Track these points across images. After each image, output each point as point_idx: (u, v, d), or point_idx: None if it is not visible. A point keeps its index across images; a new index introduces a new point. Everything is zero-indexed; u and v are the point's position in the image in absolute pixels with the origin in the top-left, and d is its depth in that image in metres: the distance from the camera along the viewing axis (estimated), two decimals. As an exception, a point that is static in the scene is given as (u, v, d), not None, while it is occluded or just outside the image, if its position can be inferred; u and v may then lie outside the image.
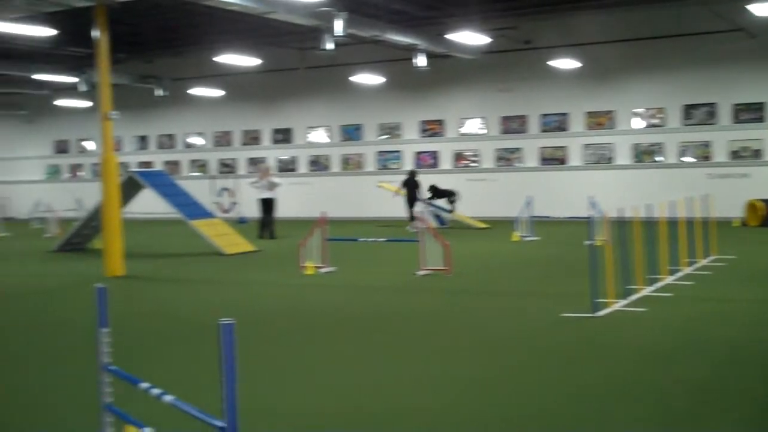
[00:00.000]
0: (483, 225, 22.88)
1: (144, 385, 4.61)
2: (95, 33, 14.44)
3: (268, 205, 21.19)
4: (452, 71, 25.55)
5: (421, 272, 13.31)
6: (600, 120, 24.88)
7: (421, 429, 5.70)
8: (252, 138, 30.22)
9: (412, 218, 22.88)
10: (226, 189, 29.46)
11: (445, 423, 5.77)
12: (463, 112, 26.74)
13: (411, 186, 23.04)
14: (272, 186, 21.24)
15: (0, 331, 9.76)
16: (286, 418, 6.00)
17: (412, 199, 22.95)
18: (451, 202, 23.41)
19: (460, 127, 26.81)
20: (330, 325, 9.57)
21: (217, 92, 28.83)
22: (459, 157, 26.89)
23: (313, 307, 10.92)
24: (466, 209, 23.85)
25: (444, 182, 26.48)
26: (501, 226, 21.89)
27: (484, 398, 6.30)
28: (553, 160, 25.55)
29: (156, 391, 4.49)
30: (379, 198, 25.80)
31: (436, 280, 12.76)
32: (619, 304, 9.80)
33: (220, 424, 3.84)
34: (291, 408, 6.23)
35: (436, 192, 23.64)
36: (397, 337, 8.73)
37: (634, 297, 10.28)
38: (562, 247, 17.51)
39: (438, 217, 23.08)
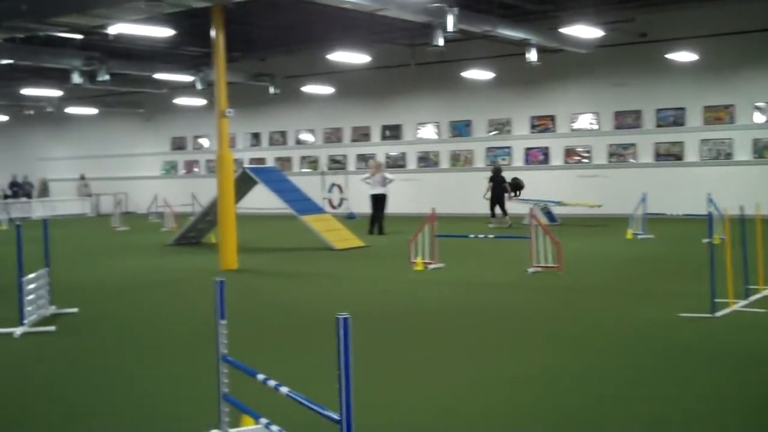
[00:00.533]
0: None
1: (260, 376, 4.70)
2: (212, 33, 14.79)
3: (379, 201, 21.28)
4: (564, 66, 25.15)
5: (532, 269, 13.15)
6: (719, 114, 24.06)
7: (532, 427, 5.63)
8: (362, 134, 30.47)
9: (493, 215, 23.06)
10: (335, 185, 29.76)
11: (555, 421, 5.68)
12: (575, 107, 26.29)
13: (497, 183, 22.99)
14: (385, 182, 21.30)
15: (121, 323, 10.10)
16: (400, 412, 6.02)
17: (498, 197, 22.93)
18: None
19: (572, 122, 26.37)
20: (441, 321, 9.56)
21: (328, 89, 29.17)
22: (570, 153, 26.45)
23: (423, 303, 10.92)
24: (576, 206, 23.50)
25: (555, 179, 26.15)
26: (614, 223, 21.42)
27: (596, 397, 6.18)
28: (669, 156, 24.85)
29: (272, 382, 4.56)
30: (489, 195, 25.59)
31: (547, 278, 12.59)
32: (738, 305, 9.46)
33: (335, 417, 3.87)
34: (404, 402, 6.24)
35: (516, 186, 23.58)
36: (508, 334, 8.66)
37: (754, 297, 9.91)
38: (678, 245, 17.03)
39: (549, 214, 22.77)
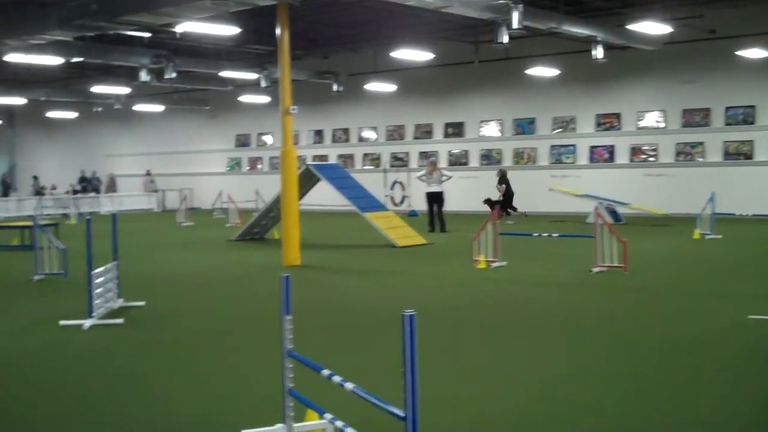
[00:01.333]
0: (659, 211, 22.52)
1: (325, 372, 4.71)
2: (277, 31, 14.90)
3: (436, 198, 21.19)
4: (631, 63, 24.77)
5: (596, 269, 12.97)
6: (791, 112, 23.46)
7: (596, 428, 5.55)
8: (424, 132, 30.43)
9: (508, 213, 23.94)
10: (397, 182, 29.78)
11: (619, 423, 5.59)
12: (641, 105, 25.86)
13: (508, 183, 24.14)
14: (441, 179, 21.22)
15: (187, 317, 10.23)
16: (465, 410, 5.99)
17: (510, 196, 24.10)
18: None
19: (638, 120, 25.94)
20: (505, 320, 9.49)
21: (391, 87, 29.19)
22: (636, 151, 26.03)
23: (486, 301, 10.86)
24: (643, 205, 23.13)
25: (620, 177, 25.81)
26: (680, 223, 21.04)
27: (662, 399, 6.06)
28: (738, 154, 24.30)
29: (337, 378, 4.57)
30: (552, 193, 25.35)
31: (612, 277, 12.40)
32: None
33: (400, 414, 3.86)
34: (469, 400, 6.21)
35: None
36: (571, 334, 8.55)
37: (829, 301, 9.64)
38: (748, 245, 16.65)
39: (614, 213, 22.45)
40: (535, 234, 15.64)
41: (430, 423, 4.97)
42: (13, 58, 19.99)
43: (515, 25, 16.44)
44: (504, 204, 23.96)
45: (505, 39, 17.47)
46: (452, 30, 23.54)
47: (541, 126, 27.84)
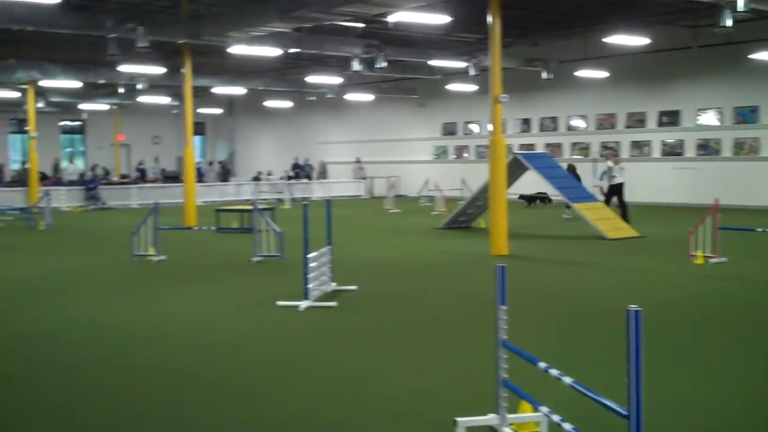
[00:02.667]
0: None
1: (542, 364, 4.62)
2: (488, 18, 14.82)
3: (619, 190, 20.41)
4: None
5: (829, 268, 12.06)
6: None
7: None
8: (636, 120, 29.37)
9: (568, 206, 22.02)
10: (607, 172, 28.89)
11: None
12: None
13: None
14: (622, 171, 20.58)
15: (397, 302, 10.40)
16: (686, 412, 5.73)
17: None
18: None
19: None
20: (726, 318, 9.01)
21: (602, 74, 28.38)
22: None
23: (705, 297, 10.34)
24: None
25: None
26: None
27: None
28: None
29: (554, 371, 4.47)
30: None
31: None
32: None
33: (623, 412, 3.72)
34: (690, 402, 5.93)
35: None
36: (803, 338, 7.98)
37: None
38: None
39: None
40: (759, 229, 14.68)
41: (652, 423, 4.77)
42: (236, 50, 21.05)
43: (740, 7, 15.50)
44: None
45: (729, 22, 16.55)
46: (669, 14, 22.52)
47: (764, 114, 26.13)
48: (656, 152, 28.32)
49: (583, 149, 30.78)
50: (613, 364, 6.92)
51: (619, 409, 3.78)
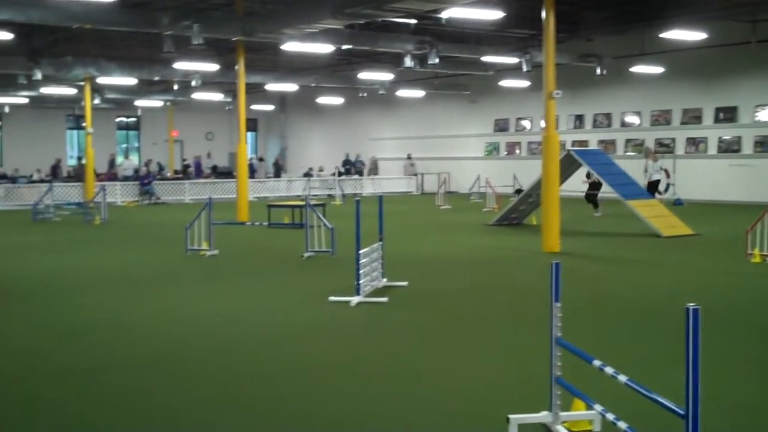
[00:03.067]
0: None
1: (596, 362, 4.57)
2: (543, 14, 14.69)
3: (656, 186, 20.24)
4: None
5: None
6: None
7: None
8: (692, 117, 28.90)
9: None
10: (662, 169, 28.48)
11: None
12: None
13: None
14: (659, 169, 20.39)
15: (449, 299, 10.38)
16: (744, 412, 5.62)
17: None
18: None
19: None
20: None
21: (657, 69, 27.98)
22: None
23: (762, 297, 10.14)
24: None
25: None
26: None
27: None
28: None
29: (609, 369, 4.42)
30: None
31: None
32: None
33: (680, 411, 3.67)
34: (748, 403, 5.82)
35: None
36: None
37: None
38: None
39: None
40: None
41: (709, 423, 4.68)
42: (289, 46, 21.18)
43: (802, 0, 15.15)
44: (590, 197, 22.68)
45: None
46: (727, 9, 22.11)
47: (825, 111, 25.57)
48: (712, 149, 27.86)
49: (637, 146, 30.38)
50: (666, 363, 6.83)
51: (676, 408, 3.72)
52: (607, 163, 18.99)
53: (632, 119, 30.77)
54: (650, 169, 21.25)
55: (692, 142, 28.53)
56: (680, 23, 21.43)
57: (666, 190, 27.00)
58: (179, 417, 5.64)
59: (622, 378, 4.27)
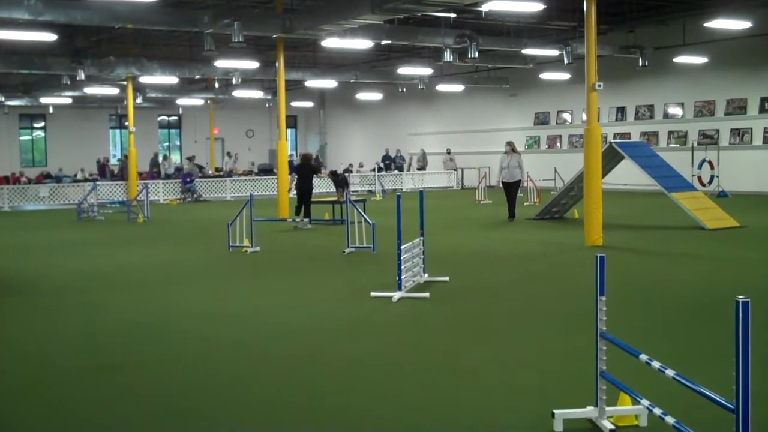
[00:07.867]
0: None
1: (643, 356, 4.52)
2: (584, 5, 14.56)
3: None
4: None
5: None
6: None
7: None
8: (737, 107, 28.46)
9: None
10: (706, 161, 28.14)
11: None
12: None
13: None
14: None
15: (490, 293, 10.33)
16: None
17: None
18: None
19: None
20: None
21: (701, 59, 27.58)
22: None
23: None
24: None
25: None
26: None
27: None
28: None
29: (656, 363, 4.36)
30: None
31: None
32: None
33: (730, 406, 3.61)
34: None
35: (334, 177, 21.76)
36: None
37: None
38: None
39: None
40: None
41: (759, 417, 4.60)
42: (328, 43, 21.21)
43: None
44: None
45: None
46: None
47: None
48: (757, 140, 27.43)
49: (680, 137, 30.00)
50: (714, 358, 6.73)
51: (726, 402, 3.67)
52: (649, 156, 18.77)
53: (675, 111, 30.38)
54: None
55: (737, 132, 28.11)
56: (724, 12, 21.11)
57: (710, 181, 26.69)
58: (229, 412, 5.67)
59: (670, 372, 4.21)
